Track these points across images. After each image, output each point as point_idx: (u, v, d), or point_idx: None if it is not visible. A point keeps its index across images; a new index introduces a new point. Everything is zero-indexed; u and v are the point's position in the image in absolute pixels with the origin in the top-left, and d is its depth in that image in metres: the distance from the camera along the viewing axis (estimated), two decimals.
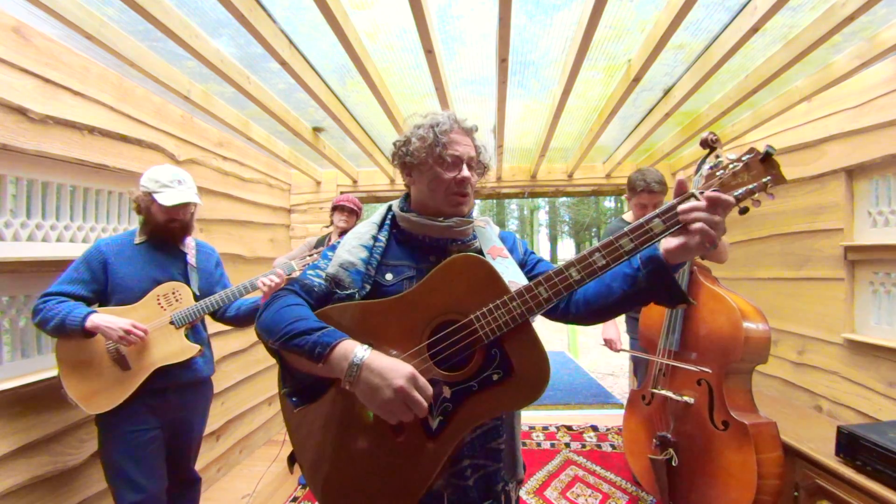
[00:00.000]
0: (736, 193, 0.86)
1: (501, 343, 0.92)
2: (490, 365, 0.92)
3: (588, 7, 1.49)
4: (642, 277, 0.94)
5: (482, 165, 1.11)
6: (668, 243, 0.90)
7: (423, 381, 0.85)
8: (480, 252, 1.09)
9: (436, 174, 1.02)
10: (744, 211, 0.87)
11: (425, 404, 0.83)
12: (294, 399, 0.98)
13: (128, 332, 1.50)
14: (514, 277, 1.00)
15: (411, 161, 1.05)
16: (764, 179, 0.85)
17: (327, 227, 2.56)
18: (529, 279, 1.05)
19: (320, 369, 0.87)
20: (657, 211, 0.87)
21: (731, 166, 0.87)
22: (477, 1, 1.59)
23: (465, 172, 1.02)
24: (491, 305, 0.91)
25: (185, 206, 1.68)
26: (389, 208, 1.15)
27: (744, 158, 0.87)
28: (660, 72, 2.11)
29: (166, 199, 1.60)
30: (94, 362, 1.56)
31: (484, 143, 1.11)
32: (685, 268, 1.96)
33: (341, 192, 3.76)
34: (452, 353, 0.92)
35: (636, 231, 0.87)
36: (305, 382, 0.98)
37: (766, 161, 0.85)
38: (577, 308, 1.07)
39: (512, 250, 1.14)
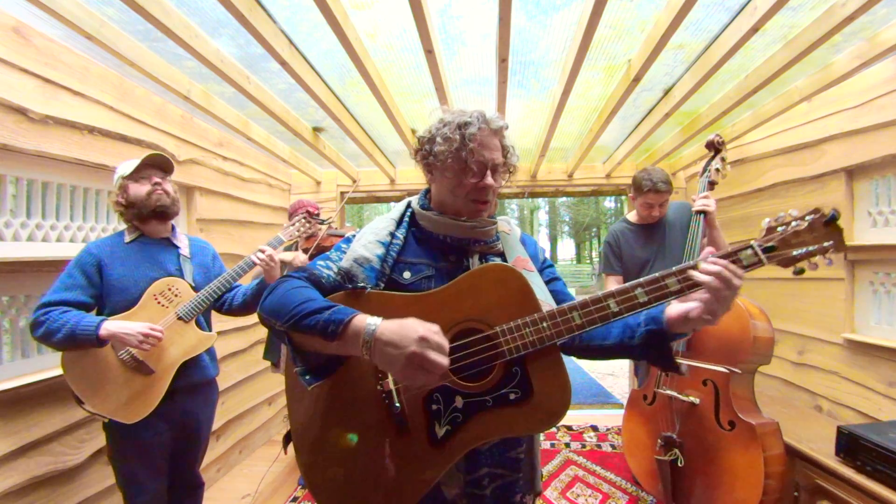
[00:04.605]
0: (795, 253, 0.85)
1: (524, 362, 0.89)
2: (509, 382, 0.89)
3: (588, 7, 1.49)
4: (638, 335, 0.93)
5: (509, 167, 1.05)
6: (670, 310, 0.90)
7: (436, 339, 0.79)
8: (503, 256, 1.06)
9: (458, 179, 0.98)
10: (799, 272, 0.86)
11: (444, 363, 0.78)
12: (307, 377, 0.94)
13: (146, 335, 1.46)
14: (541, 295, 0.96)
15: (434, 161, 1.00)
16: (825, 244, 0.84)
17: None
18: None
19: (334, 347, 0.83)
20: (712, 256, 0.86)
21: (793, 224, 0.86)
22: (477, 1, 1.59)
23: (489, 180, 0.97)
24: (520, 321, 0.88)
25: (154, 167, 1.64)
26: (408, 205, 1.10)
27: (807, 218, 0.86)
28: (660, 72, 2.11)
29: (130, 166, 1.59)
30: (111, 376, 1.51)
31: (513, 143, 1.05)
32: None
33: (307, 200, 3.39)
34: (471, 363, 0.89)
35: (682, 273, 0.85)
36: (318, 361, 0.94)
37: (829, 225, 0.84)
38: (573, 340, 1.02)
39: (533, 257, 1.11)
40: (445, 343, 0.80)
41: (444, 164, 0.99)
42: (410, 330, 0.79)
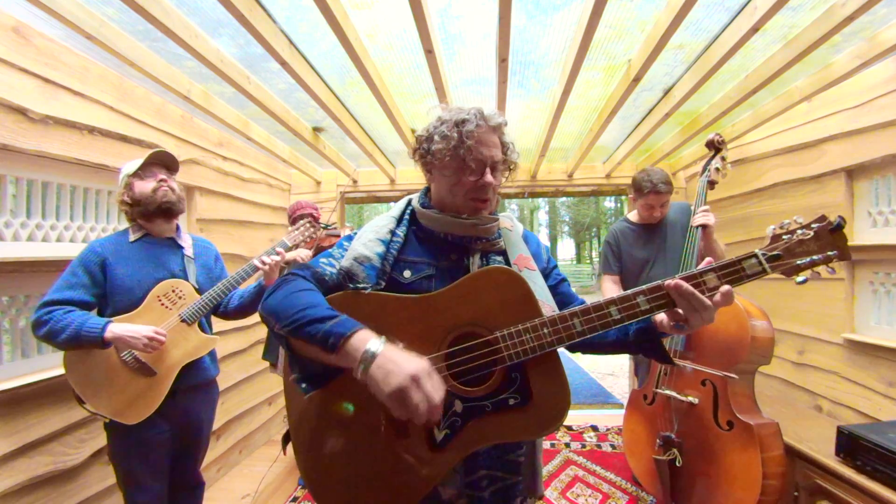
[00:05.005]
0: (799, 262, 0.84)
1: (524, 368, 0.89)
2: (508, 388, 0.88)
3: (588, 7, 1.49)
4: (632, 332, 0.95)
5: (508, 164, 1.04)
6: (660, 315, 0.91)
7: (438, 379, 0.78)
8: (504, 254, 1.05)
9: (457, 178, 0.97)
10: (802, 282, 0.85)
11: (437, 399, 0.76)
12: (304, 385, 0.93)
13: (151, 339, 1.46)
14: (541, 296, 0.95)
15: (432, 160, 0.99)
16: (830, 252, 0.83)
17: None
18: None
19: (332, 359, 0.81)
20: (715, 264, 0.86)
21: (799, 232, 0.85)
22: (477, 1, 1.59)
23: (488, 178, 0.96)
24: (520, 327, 0.87)
25: (159, 165, 1.65)
26: (409, 203, 1.09)
27: (813, 226, 0.85)
28: (660, 72, 2.11)
29: (136, 164, 1.60)
30: (113, 377, 1.51)
31: (513, 140, 1.04)
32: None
33: (298, 201, 3.06)
34: (471, 368, 0.89)
35: (688, 280, 0.86)
36: (315, 369, 0.92)
37: (835, 233, 0.84)
38: None
39: (536, 256, 1.09)
40: (437, 391, 0.77)
41: (443, 163, 0.97)
42: (417, 359, 0.78)
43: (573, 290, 1.14)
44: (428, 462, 0.89)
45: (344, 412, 0.93)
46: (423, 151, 1.01)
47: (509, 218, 1.13)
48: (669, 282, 0.85)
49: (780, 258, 0.85)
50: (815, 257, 0.84)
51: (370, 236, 1.01)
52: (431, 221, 1.02)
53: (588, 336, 0.88)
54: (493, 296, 0.90)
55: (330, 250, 1.05)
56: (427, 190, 1.09)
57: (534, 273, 1.02)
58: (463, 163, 0.95)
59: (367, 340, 0.79)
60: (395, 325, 0.92)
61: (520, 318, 0.88)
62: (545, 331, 0.87)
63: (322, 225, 2.13)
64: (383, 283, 0.97)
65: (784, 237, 0.86)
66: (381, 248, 0.99)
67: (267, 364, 3.29)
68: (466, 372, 0.89)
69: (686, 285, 0.83)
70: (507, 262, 1.04)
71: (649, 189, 2.22)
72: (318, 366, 0.91)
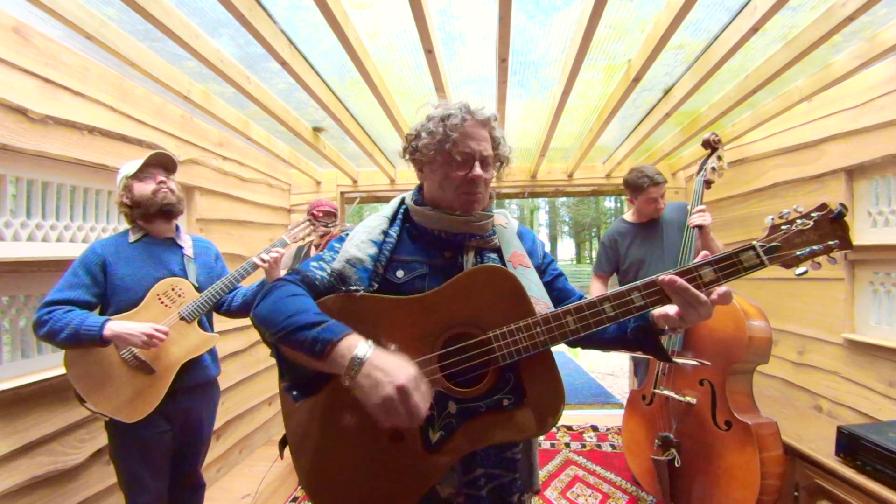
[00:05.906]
0: (799, 253, 0.82)
1: (518, 367, 0.88)
2: (502, 388, 0.88)
3: (588, 7, 1.49)
4: (630, 330, 0.94)
5: (500, 159, 1.03)
6: (658, 309, 0.90)
7: (426, 387, 0.78)
8: (499, 251, 1.04)
9: (445, 172, 0.96)
10: (802, 273, 0.82)
11: (423, 412, 0.76)
12: (294, 392, 0.93)
13: (150, 335, 1.46)
14: (535, 293, 0.95)
15: (421, 157, 0.99)
16: (830, 242, 0.80)
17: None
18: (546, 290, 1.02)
19: (320, 365, 0.80)
20: (711, 258, 0.84)
21: (798, 222, 0.82)
22: (477, 1, 1.59)
23: (477, 171, 0.95)
24: (513, 326, 0.87)
25: (158, 166, 1.65)
26: (402, 201, 1.09)
27: (813, 215, 0.82)
28: (660, 72, 2.11)
29: (135, 166, 1.60)
30: (113, 375, 1.51)
31: (503, 134, 1.03)
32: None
33: (319, 198, 3.28)
34: (465, 369, 0.88)
35: (683, 275, 0.84)
36: (305, 375, 0.92)
37: (835, 222, 0.80)
38: None
39: (531, 252, 1.09)
40: (424, 402, 0.77)
41: (430, 158, 0.97)
42: (405, 365, 0.78)
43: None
44: (424, 464, 0.89)
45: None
46: (412, 149, 1.01)
47: (504, 214, 1.12)
48: (664, 277, 0.83)
49: (778, 249, 0.82)
50: (815, 247, 0.81)
51: (362, 237, 1.00)
52: (425, 218, 1.01)
53: (582, 334, 0.87)
54: (485, 295, 0.89)
55: (321, 253, 1.04)
56: (420, 188, 1.08)
57: (528, 270, 1.01)
58: (449, 157, 0.95)
59: (354, 346, 0.79)
60: (389, 327, 0.91)
61: (513, 316, 0.87)
62: (538, 329, 0.86)
63: (324, 223, 2.15)
64: (376, 285, 0.96)
65: (783, 227, 0.84)
66: (373, 250, 0.98)
67: (268, 364, 3.29)
68: (460, 373, 0.89)
69: (680, 280, 0.82)
70: (502, 259, 1.03)
71: (648, 183, 2.25)
72: (309, 372, 0.90)
